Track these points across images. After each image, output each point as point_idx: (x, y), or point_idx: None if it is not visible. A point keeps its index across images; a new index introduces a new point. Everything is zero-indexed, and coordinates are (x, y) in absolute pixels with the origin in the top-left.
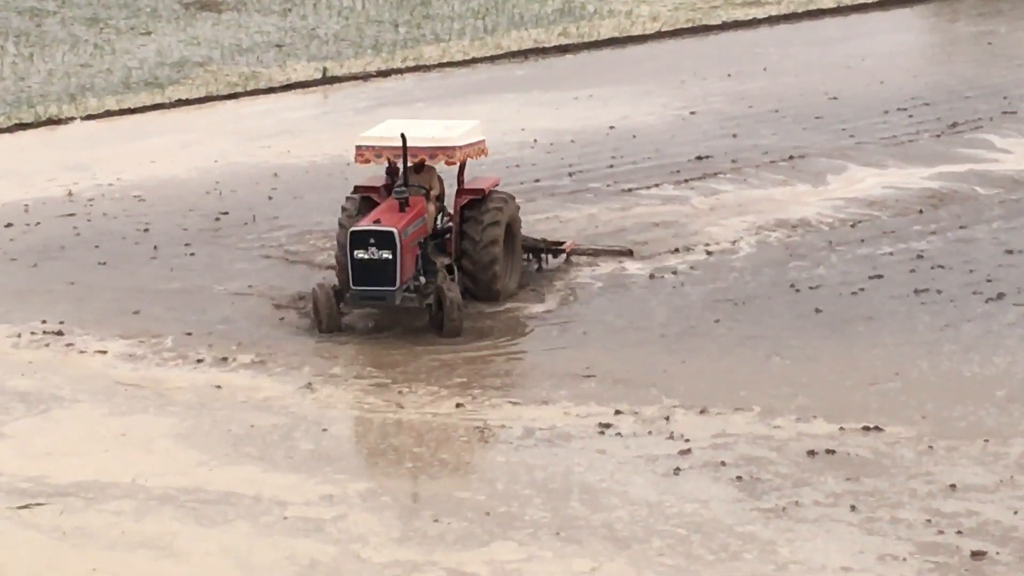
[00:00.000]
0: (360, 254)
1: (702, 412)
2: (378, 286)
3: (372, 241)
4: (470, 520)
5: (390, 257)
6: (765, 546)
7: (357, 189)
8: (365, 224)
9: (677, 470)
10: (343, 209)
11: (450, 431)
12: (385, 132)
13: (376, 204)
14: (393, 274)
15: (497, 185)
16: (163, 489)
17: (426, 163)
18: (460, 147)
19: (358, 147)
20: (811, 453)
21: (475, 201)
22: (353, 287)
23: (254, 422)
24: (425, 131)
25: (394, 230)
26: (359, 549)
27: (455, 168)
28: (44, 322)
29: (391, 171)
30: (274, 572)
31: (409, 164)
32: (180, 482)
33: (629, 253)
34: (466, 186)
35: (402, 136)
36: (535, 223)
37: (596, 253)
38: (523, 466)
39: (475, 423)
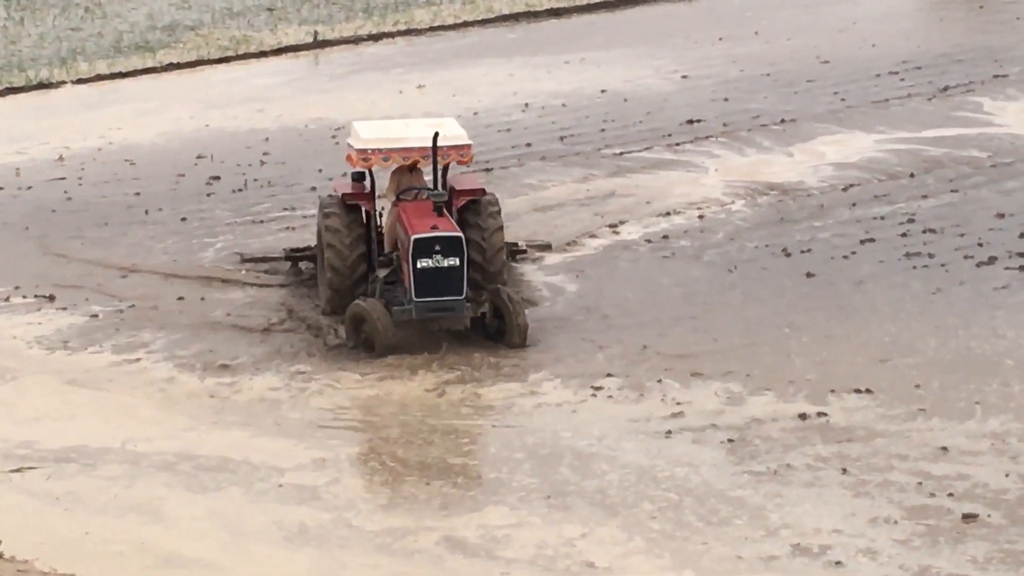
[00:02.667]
0: (424, 263)
1: (695, 375)
2: (445, 296)
3: (437, 248)
4: (461, 485)
5: (457, 264)
6: (755, 511)
7: (347, 197)
8: (426, 231)
9: (668, 433)
10: (331, 218)
11: (442, 398)
12: (370, 134)
13: (367, 213)
14: (461, 282)
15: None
16: (154, 454)
17: (422, 164)
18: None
19: (361, 150)
20: (802, 417)
21: (469, 203)
22: (416, 299)
23: (235, 393)
24: (415, 131)
25: (461, 235)
26: (351, 516)
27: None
28: (18, 288)
29: (361, 176)
30: (262, 537)
31: (404, 164)
32: (171, 447)
33: (548, 247)
34: (459, 187)
35: (435, 136)
36: (527, 188)
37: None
38: (513, 431)
39: (467, 389)
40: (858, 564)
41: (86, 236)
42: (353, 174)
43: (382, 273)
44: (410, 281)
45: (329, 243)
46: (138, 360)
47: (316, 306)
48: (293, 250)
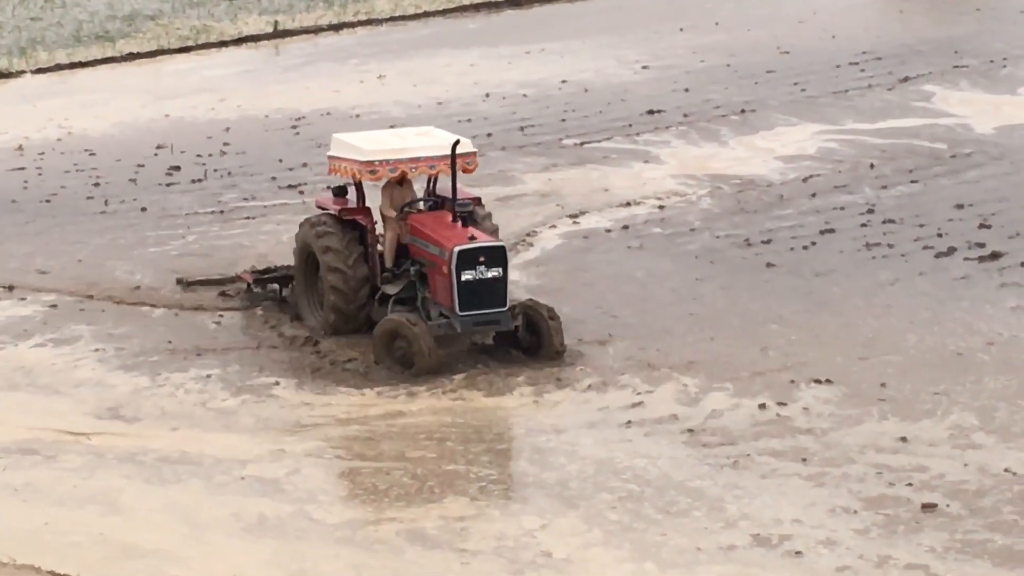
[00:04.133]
0: (468, 275)
1: (653, 367)
2: (490, 308)
3: (481, 259)
4: (420, 477)
5: (500, 275)
6: (714, 502)
7: (343, 213)
8: (465, 242)
9: (628, 424)
10: (327, 237)
11: (400, 397)
12: (371, 146)
13: (362, 227)
14: (504, 293)
15: None
16: (115, 447)
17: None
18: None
19: (368, 163)
20: (762, 407)
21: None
22: (460, 313)
23: (185, 393)
24: (413, 140)
25: (504, 244)
26: (311, 508)
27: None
28: None
29: (343, 191)
30: (221, 528)
31: (394, 177)
32: (129, 442)
33: None
34: (460, 197)
35: (453, 144)
36: (487, 178)
37: None
38: (473, 423)
39: (426, 385)
40: (817, 554)
41: (44, 226)
42: (335, 188)
43: (391, 290)
44: (454, 295)
45: (330, 263)
46: (97, 351)
47: (291, 317)
48: (260, 272)
